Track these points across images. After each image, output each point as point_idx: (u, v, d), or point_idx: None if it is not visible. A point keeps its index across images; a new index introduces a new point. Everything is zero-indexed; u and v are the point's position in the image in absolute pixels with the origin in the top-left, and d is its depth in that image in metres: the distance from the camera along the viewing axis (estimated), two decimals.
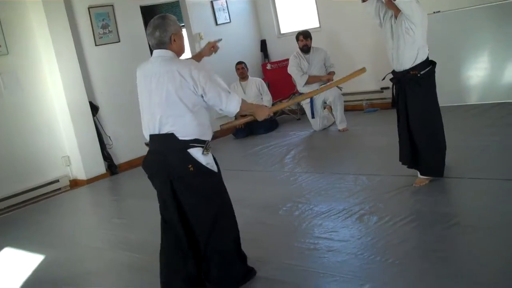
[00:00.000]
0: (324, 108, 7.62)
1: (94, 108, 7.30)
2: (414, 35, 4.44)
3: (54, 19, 6.86)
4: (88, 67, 7.37)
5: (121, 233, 5.04)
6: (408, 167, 4.81)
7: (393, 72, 4.74)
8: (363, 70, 4.06)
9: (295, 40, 7.69)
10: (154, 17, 3.24)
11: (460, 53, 7.28)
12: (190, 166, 3.12)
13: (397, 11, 4.53)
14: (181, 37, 3.24)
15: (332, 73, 7.63)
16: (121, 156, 7.51)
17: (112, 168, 7.40)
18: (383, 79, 5.27)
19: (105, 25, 7.52)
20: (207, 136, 3.23)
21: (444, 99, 7.27)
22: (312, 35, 7.71)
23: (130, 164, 7.52)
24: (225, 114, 3.58)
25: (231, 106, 3.18)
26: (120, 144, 7.51)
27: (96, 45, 7.41)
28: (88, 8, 7.32)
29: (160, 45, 3.19)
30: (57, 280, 4.21)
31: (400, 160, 4.86)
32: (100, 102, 7.40)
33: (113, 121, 7.52)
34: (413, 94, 4.57)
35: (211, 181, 3.24)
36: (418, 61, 4.52)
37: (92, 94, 7.36)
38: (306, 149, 7.01)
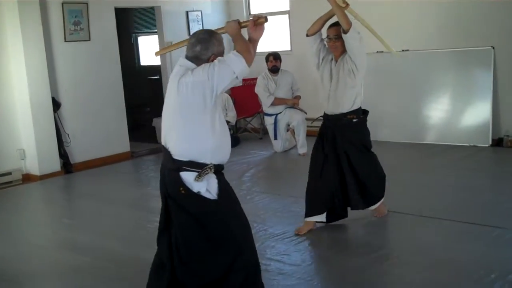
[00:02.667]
0: (287, 130, 7.71)
1: (56, 104, 7.17)
2: (355, 79, 4.32)
3: (26, 11, 6.73)
4: (55, 62, 7.25)
5: (69, 234, 4.94)
6: (360, 209, 4.58)
7: (326, 115, 4.53)
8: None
9: (265, 60, 7.75)
10: (202, 30, 3.05)
11: (423, 92, 7.50)
12: (181, 189, 2.87)
13: (338, 54, 4.39)
14: None
15: (298, 97, 7.73)
16: (77, 155, 7.37)
17: (67, 166, 7.24)
18: (315, 120, 4.76)
19: (77, 22, 7.42)
20: (209, 159, 2.90)
21: (403, 136, 7.56)
22: (283, 58, 7.80)
23: (86, 165, 7.38)
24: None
25: (240, 66, 2.92)
26: (77, 143, 7.37)
27: (65, 41, 7.30)
28: (62, 4, 7.22)
29: (195, 59, 2.96)
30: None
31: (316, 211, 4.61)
32: (62, 98, 7.27)
33: (73, 119, 7.39)
34: (348, 138, 4.43)
35: (206, 208, 2.91)
36: (355, 107, 4.42)
37: (56, 90, 7.23)
38: (265, 169, 7.06)
